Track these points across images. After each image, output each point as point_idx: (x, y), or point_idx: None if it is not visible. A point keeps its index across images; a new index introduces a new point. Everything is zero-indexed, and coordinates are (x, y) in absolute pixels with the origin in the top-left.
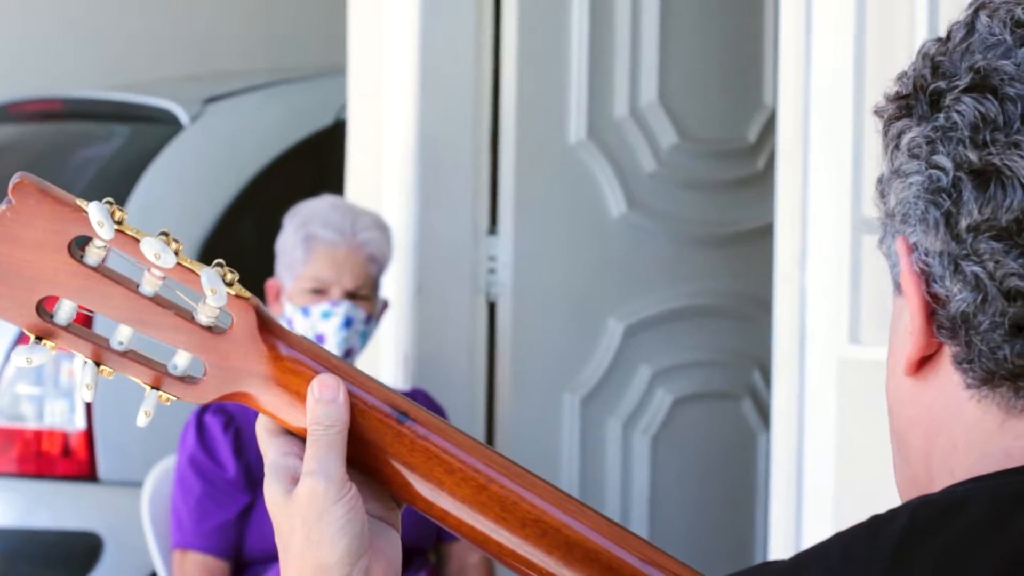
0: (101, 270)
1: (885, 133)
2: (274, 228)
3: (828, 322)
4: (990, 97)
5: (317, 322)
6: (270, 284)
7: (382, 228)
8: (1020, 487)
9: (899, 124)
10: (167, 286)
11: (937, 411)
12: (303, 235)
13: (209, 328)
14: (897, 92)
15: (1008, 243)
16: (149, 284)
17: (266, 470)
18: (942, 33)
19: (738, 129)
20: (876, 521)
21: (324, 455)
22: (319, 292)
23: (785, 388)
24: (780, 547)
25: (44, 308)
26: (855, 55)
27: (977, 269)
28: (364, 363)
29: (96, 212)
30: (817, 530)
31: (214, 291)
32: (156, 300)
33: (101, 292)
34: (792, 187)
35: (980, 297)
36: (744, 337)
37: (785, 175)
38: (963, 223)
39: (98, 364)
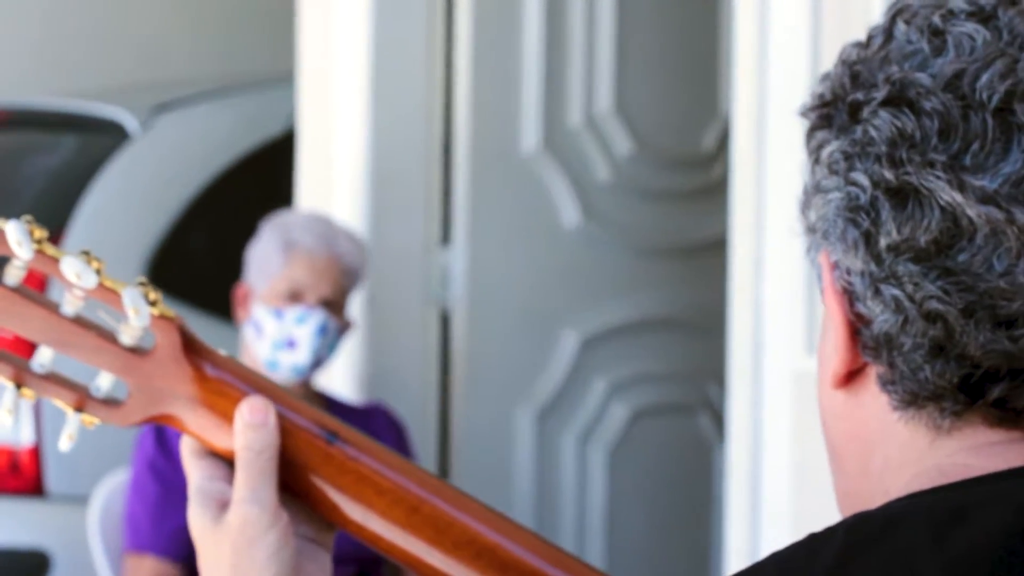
0: (20, 291)
1: (807, 142)
2: (226, 239)
3: (784, 334)
4: (907, 111)
5: (291, 326)
6: (239, 288)
7: (359, 244)
8: (955, 503)
9: (819, 135)
10: (90, 307)
11: (871, 428)
12: (283, 240)
13: (132, 349)
14: (821, 96)
15: (926, 265)
16: (70, 304)
17: (190, 494)
18: None
19: (694, 139)
20: (812, 539)
21: (256, 482)
22: (294, 297)
23: (741, 401)
24: (736, 561)
25: None
26: (810, 65)
27: (897, 292)
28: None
29: (14, 232)
30: (774, 543)
31: (136, 311)
32: (77, 321)
33: (20, 313)
34: (747, 198)
35: (901, 319)
36: (701, 349)
37: (740, 186)
38: (882, 243)
39: (19, 387)
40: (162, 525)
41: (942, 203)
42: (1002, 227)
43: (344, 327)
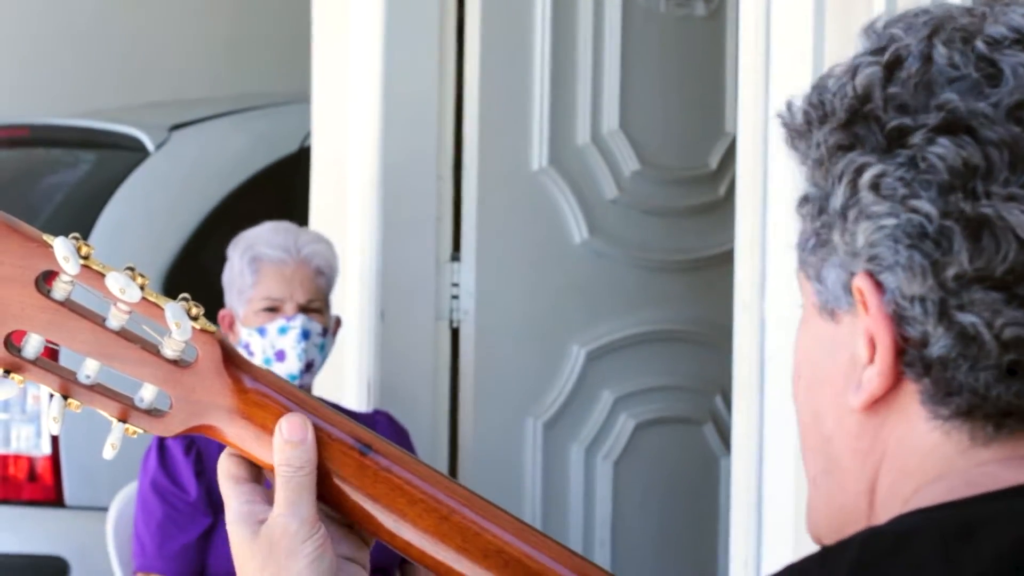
0: (68, 304)
1: (821, 162)
2: None
3: (787, 348)
4: (969, 140)
5: (275, 339)
6: (222, 315)
7: (325, 242)
8: (967, 519)
9: (853, 156)
10: (134, 320)
11: (890, 443)
12: (249, 258)
13: (174, 362)
14: (830, 113)
15: (1006, 294)
16: (115, 318)
17: (230, 517)
18: None
19: (699, 156)
20: (826, 553)
21: (295, 496)
22: (272, 311)
23: (745, 413)
24: (740, 572)
25: (12, 342)
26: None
27: (973, 319)
28: (329, 390)
29: (62, 247)
30: (778, 555)
31: (179, 325)
32: (122, 334)
33: (68, 326)
34: (751, 214)
35: (970, 343)
36: (706, 362)
37: (744, 202)
38: (951, 271)
39: (66, 397)
40: (167, 546)
41: (1021, 236)
42: None
43: (329, 326)
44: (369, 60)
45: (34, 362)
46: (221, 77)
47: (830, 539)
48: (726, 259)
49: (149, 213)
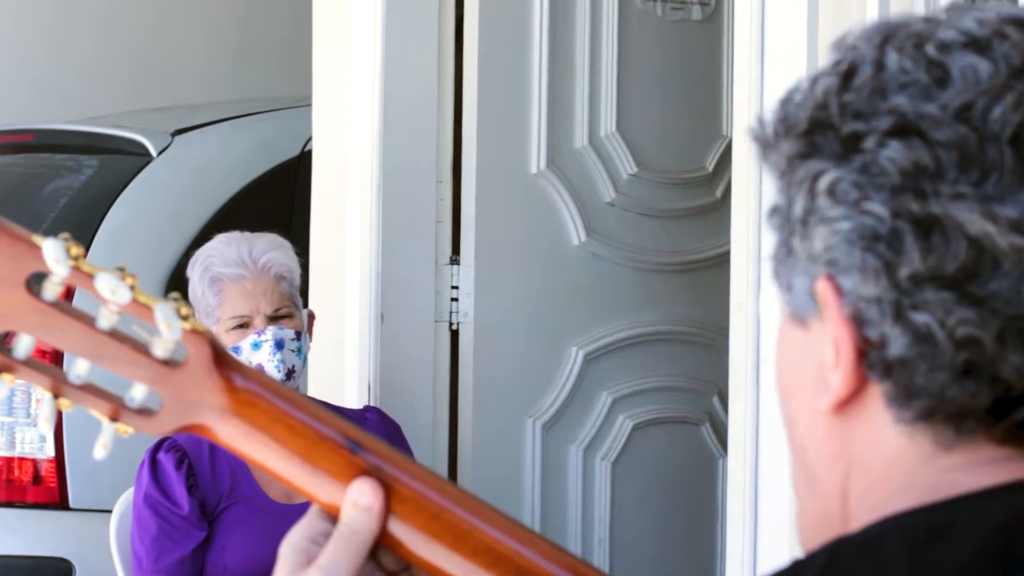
0: (58, 305)
1: (786, 173)
2: None
3: None
4: (918, 142)
5: (250, 355)
6: None
7: (280, 246)
8: (933, 524)
9: (810, 164)
10: (124, 320)
11: (858, 447)
12: (208, 279)
13: (165, 361)
14: (793, 126)
15: (958, 292)
16: (105, 319)
17: (288, 539)
18: None
19: (696, 159)
20: (797, 564)
21: (341, 557)
22: (243, 327)
23: (741, 414)
24: (736, 572)
25: (3, 343)
26: None
27: (927, 318)
28: (329, 391)
29: (51, 249)
30: (773, 554)
31: (168, 325)
32: (113, 334)
33: (58, 327)
34: (746, 216)
35: (925, 343)
36: (703, 363)
37: (739, 204)
38: (903, 272)
39: (57, 397)
40: (162, 559)
41: (970, 233)
42: None
43: (303, 327)
44: (369, 65)
45: (25, 362)
46: (223, 82)
47: (815, 545)
48: (723, 260)
49: (152, 217)
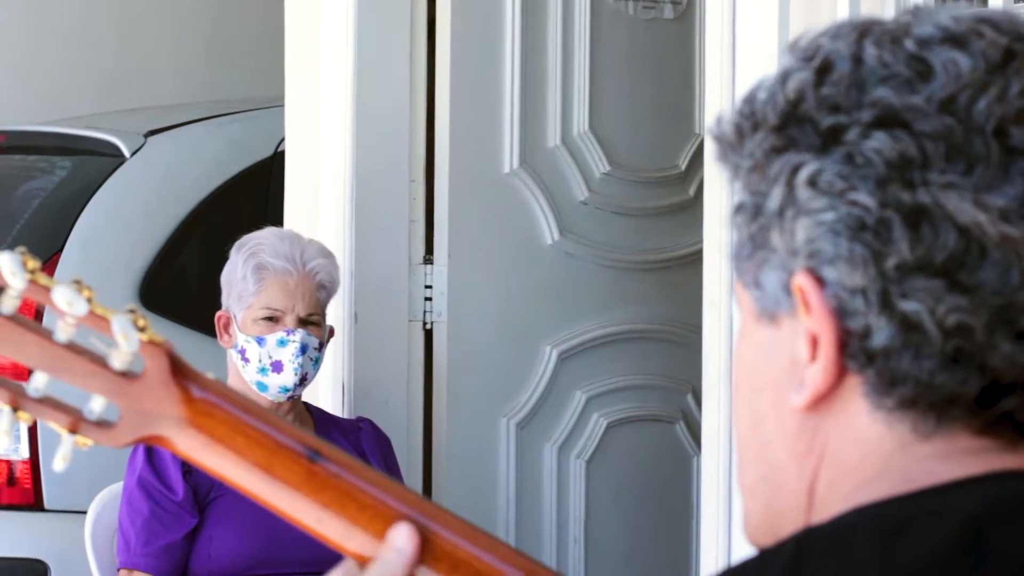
0: (15, 319)
1: (755, 168)
2: (215, 259)
3: None
4: (903, 133)
5: (273, 350)
6: (219, 315)
7: (329, 255)
8: (902, 515)
9: (789, 157)
10: (83, 332)
11: (831, 440)
12: (253, 265)
13: (123, 373)
14: (760, 122)
15: (947, 280)
16: (63, 331)
17: (336, 571)
18: None
19: (669, 157)
20: (764, 555)
21: None
22: (272, 320)
23: (714, 412)
24: (711, 569)
25: None
26: None
27: (916, 306)
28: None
29: (8, 262)
30: (747, 552)
31: (126, 337)
32: (70, 347)
33: (15, 340)
34: (718, 214)
35: (913, 331)
36: (677, 362)
37: (711, 203)
38: (891, 261)
39: (16, 410)
40: (152, 543)
41: (960, 223)
42: (1018, 243)
43: (324, 339)
44: (341, 65)
45: None
46: (196, 83)
47: (767, 542)
48: (696, 259)
49: (125, 218)
